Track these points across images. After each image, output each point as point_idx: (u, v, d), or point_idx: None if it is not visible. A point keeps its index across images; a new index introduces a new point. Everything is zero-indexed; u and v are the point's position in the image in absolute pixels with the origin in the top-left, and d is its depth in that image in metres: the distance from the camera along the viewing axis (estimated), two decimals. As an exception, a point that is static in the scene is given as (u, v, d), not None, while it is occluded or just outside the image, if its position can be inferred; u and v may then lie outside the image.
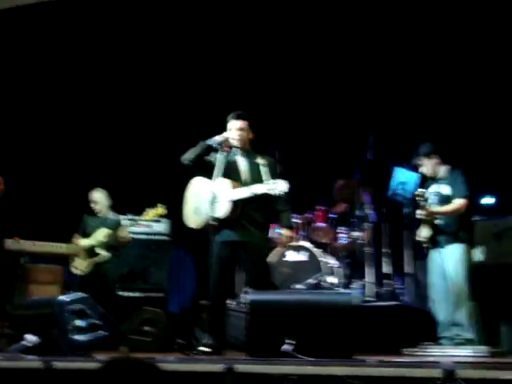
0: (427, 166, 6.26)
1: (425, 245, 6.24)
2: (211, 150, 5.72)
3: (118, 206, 7.72)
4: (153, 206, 7.24)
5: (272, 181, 5.34)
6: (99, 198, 7.55)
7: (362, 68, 8.57)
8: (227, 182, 5.59)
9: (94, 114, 9.41)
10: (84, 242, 7.41)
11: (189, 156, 5.76)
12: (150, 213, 7.21)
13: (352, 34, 8.51)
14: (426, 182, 6.42)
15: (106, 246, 7.33)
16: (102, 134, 9.37)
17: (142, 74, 9.31)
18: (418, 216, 6.15)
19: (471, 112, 7.98)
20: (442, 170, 6.26)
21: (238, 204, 5.54)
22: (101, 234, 7.36)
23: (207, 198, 5.57)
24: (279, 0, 8.72)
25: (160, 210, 7.16)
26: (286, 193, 5.30)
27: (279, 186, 5.25)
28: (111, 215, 7.56)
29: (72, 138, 9.37)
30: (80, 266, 7.35)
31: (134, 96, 9.39)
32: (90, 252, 7.34)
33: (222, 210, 5.54)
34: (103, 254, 7.30)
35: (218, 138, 5.67)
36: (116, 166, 9.20)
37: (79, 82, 9.36)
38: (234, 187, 5.57)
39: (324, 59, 8.75)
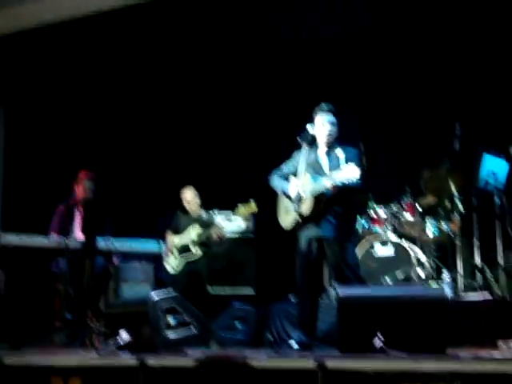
0: None
1: None
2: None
3: (207, 202, 7.78)
4: (245, 201, 7.26)
5: (342, 168, 5.22)
6: (191, 197, 7.62)
7: (446, 55, 8.38)
8: (309, 177, 5.56)
9: (183, 114, 9.56)
10: (177, 240, 7.51)
11: (273, 186, 5.88)
12: (243, 208, 7.22)
13: (436, 19, 8.32)
14: None
15: (199, 244, 7.41)
16: (189, 132, 9.51)
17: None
18: None
19: None
20: None
21: (321, 198, 5.50)
22: (194, 232, 7.43)
23: (293, 196, 5.57)
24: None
25: (253, 205, 7.14)
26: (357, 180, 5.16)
27: (352, 173, 5.11)
28: (204, 213, 7.62)
29: (161, 136, 9.56)
30: (172, 264, 7.46)
31: (220, 96, 9.50)
32: (183, 250, 7.43)
33: (306, 206, 5.51)
34: (196, 252, 7.38)
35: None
36: (204, 162, 9.32)
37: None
38: (316, 181, 5.52)
39: (409, 46, 8.59)
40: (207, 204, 7.75)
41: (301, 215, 5.52)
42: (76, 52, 9.44)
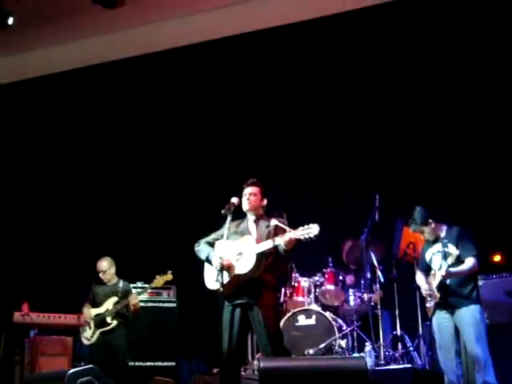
0: (427, 232, 6.12)
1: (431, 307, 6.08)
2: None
3: (125, 274, 7.69)
4: (162, 272, 7.28)
5: (306, 226, 5.32)
6: (106, 267, 7.52)
7: (366, 128, 8.64)
8: (251, 238, 5.62)
9: (95, 182, 9.51)
10: (94, 312, 7.36)
11: (197, 255, 5.86)
12: (160, 279, 7.26)
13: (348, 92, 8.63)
14: (428, 244, 6.25)
15: (114, 313, 7.27)
16: (107, 202, 9.44)
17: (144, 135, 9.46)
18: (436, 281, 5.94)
19: (469, 172, 8.02)
20: (443, 230, 6.13)
21: (261, 260, 5.53)
22: (110, 303, 7.31)
23: (231, 256, 5.57)
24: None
25: (169, 276, 7.24)
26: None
27: (314, 229, 5.27)
28: (121, 283, 7.52)
29: (76, 206, 9.44)
30: (87, 335, 7.30)
31: (138, 161, 9.52)
32: (100, 321, 7.28)
33: (247, 264, 5.52)
34: (110, 321, 7.24)
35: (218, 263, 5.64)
36: (121, 234, 9.24)
37: (86, 149, 9.49)
38: (257, 242, 5.57)
39: (334, 116, 8.87)
40: (125, 276, 7.66)
41: (222, 285, 5.48)
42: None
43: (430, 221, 6.09)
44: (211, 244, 5.85)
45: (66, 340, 7.55)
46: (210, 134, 9.33)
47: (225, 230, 5.62)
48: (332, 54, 8.75)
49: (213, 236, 5.92)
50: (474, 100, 8.10)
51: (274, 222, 5.65)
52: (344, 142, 8.78)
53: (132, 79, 9.46)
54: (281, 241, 5.42)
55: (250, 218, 5.88)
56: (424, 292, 6.11)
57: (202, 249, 5.85)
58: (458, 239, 5.99)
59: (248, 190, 5.87)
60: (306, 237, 5.29)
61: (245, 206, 5.83)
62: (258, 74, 9.09)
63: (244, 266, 5.53)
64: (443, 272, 5.78)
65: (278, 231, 5.61)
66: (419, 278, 6.27)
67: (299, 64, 8.88)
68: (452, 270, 5.80)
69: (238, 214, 5.85)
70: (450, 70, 8.22)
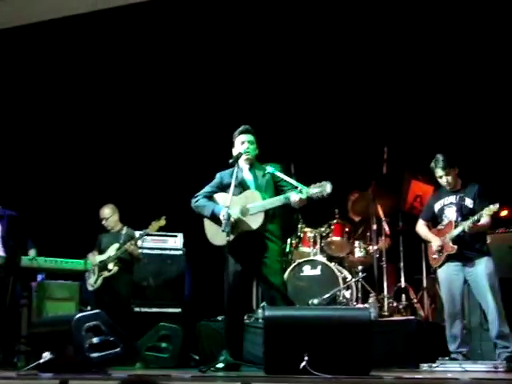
0: (452, 177, 6.05)
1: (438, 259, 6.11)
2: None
3: (130, 222, 7.74)
4: (157, 218, 7.33)
5: (318, 184, 5.23)
6: (108, 214, 7.59)
7: (379, 81, 8.55)
8: (257, 194, 5.56)
9: (99, 131, 9.45)
10: (97, 258, 7.45)
11: (198, 211, 5.78)
12: (155, 225, 7.31)
13: (364, 45, 8.51)
14: (441, 192, 6.26)
15: (116, 259, 7.35)
16: (106, 148, 9.41)
17: (145, 83, 9.37)
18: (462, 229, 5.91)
19: (476, 126, 7.94)
20: (460, 183, 6.17)
21: (268, 213, 5.51)
22: (112, 249, 7.40)
23: (235, 213, 5.54)
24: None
25: (162, 221, 7.28)
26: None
27: (327, 188, 5.15)
28: (124, 230, 7.58)
29: (85, 156, 9.41)
30: (91, 281, 7.41)
31: (140, 109, 9.44)
32: (102, 267, 7.37)
33: (256, 221, 5.50)
34: (112, 267, 7.33)
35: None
36: (129, 182, 9.24)
37: (88, 102, 9.41)
38: (257, 195, 5.53)
39: (344, 71, 8.76)
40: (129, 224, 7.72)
41: (229, 238, 5.47)
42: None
43: (456, 167, 6.07)
44: (210, 197, 5.80)
45: (73, 285, 7.62)
46: (211, 80, 9.19)
47: (232, 181, 5.56)
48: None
49: (208, 189, 5.83)
50: (485, 50, 7.98)
51: (269, 169, 5.59)
52: (353, 94, 8.69)
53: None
54: (291, 199, 5.34)
55: (245, 167, 5.76)
56: (436, 243, 6.07)
57: (203, 204, 5.75)
58: (477, 195, 6.00)
59: (245, 138, 5.76)
60: (319, 195, 5.21)
61: (244, 155, 5.71)
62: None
63: (253, 222, 5.49)
64: (470, 224, 5.79)
65: (276, 180, 5.56)
66: (422, 227, 6.31)
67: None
68: (479, 223, 5.81)
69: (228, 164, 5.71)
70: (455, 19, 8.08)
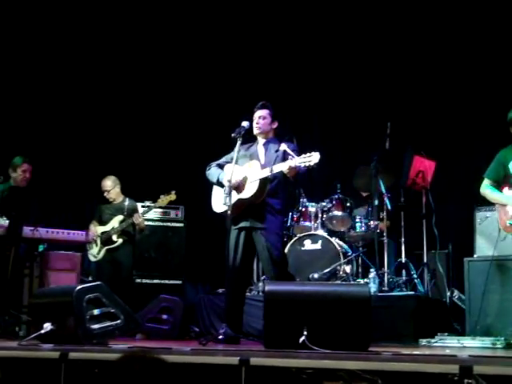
0: None
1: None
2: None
3: (132, 193, 7.75)
4: (166, 192, 7.33)
5: (308, 154, 5.30)
6: (110, 186, 7.59)
7: (381, 57, 8.51)
8: (256, 163, 5.64)
9: (104, 104, 9.40)
10: (100, 229, 7.46)
11: (209, 178, 5.91)
12: (164, 199, 7.35)
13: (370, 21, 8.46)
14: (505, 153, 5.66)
15: (120, 231, 7.38)
16: (112, 122, 9.37)
17: (151, 62, 9.32)
18: None
19: (483, 101, 7.88)
20: None
21: (265, 185, 5.55)
22: (116, 221, 7.42)
23: (236, 179, 5.61)
24: None
25: (173, 195, 7.34)
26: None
27: (314, 158, 5.24)
28: (127, 201, 7.60)
29: (89, 127, 9.37)
30: (94, 252, 7.44)
31: (147, 82, 9.39)
32: (106, 239, 7.40)
33: (250, 189, 5.56)
34: (116, 239, 7.36)
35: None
36: (132, 154, 9.22)
37: (93, 74, 9.35)
38: (264, 167, 5.60)
39: (349, 47, 8.71)
40: (132, 195, 7.73)
41: (230, 207, 5.51)
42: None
43: None
44: (221, 167, 5.90)
45: (74, 256, 7.62)
46: (222, 55, 9.19)
47: (234, 154, 5.65)
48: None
49: (223, 159, 5.98)
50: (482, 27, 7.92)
51: (283, 146, 5.63)
52: (357, 70, 8.66)
53: None
54: (280, 168, 5.42)
55: (260, 141, 5.93)
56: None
57: (212, 172, 5.91)
58: None
59: (258, 114, 5.88)
60: (307, 165, 5.27)
61: (254, 130, 5.85)
62: None
63: (247, 190, 5.57)
64: None
65: (286, 157, 5.60)
66: (491, 190, 5.64)
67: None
68: None
69: (251, 138, 5.89)
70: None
